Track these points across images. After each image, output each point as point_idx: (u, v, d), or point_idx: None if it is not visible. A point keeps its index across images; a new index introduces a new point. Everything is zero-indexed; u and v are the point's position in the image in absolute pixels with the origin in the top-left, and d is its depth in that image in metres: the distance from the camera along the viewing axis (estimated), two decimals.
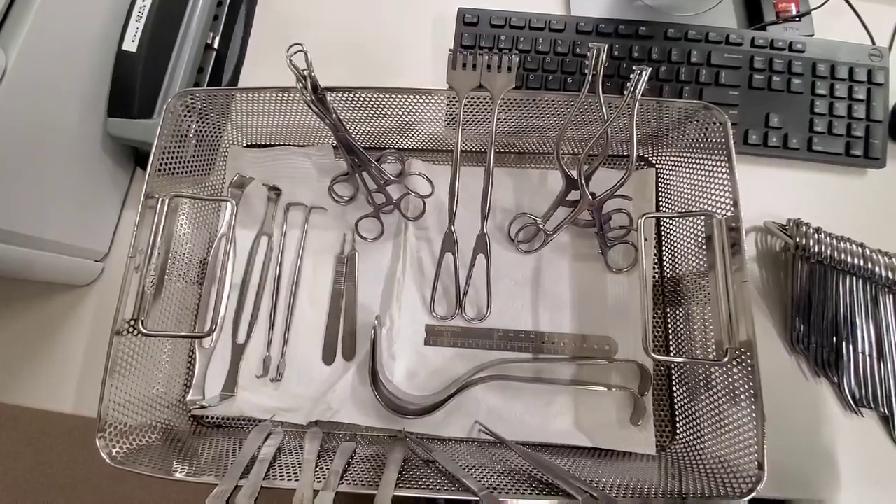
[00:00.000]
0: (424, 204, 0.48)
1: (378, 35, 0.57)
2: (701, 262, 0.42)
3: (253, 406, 0.45)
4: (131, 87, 0.48)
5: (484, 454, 0.42)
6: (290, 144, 0.51)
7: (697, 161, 0.44)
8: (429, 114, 0.46)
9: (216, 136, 0.50)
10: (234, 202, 0.42)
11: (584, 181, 0.42)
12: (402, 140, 0.50)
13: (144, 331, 0.38)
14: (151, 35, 0.50)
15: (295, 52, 0.36)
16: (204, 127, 0.48)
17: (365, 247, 0.49)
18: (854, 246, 0.43)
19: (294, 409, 0.45)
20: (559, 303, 0.47)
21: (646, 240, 0.46)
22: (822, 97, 0.51)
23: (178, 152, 0.45)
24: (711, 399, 0.40)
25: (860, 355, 0.45)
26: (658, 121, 0.45)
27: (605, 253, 0.47)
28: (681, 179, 0.47)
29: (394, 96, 0.42)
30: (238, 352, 0.47)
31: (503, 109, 0.44)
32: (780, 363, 0.47)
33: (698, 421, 0.41)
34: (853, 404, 0.45)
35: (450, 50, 0.39)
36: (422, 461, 0.39)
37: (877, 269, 0.42)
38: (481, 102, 0.44)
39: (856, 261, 0.43)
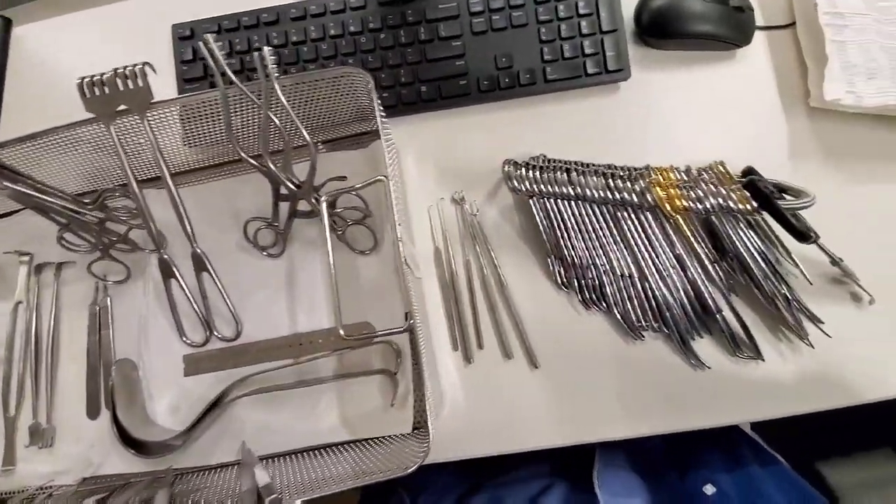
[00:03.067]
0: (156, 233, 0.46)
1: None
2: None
3: (31, 475, 0.44)
4: None
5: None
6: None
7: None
8: (136, 142, 0.44)
9: None
10: None
11: (278, 173, 0.41)
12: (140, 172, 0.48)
13: None
14: None
15: None
16: None
17: (118, 291, 0.48)
18: (560, 173, 0.40)
19: (67, 471, 0.44)
20: (315, 299, 0.45)
21: (368, 216, 0.45)
22: (548, 23, 0.48)
23: None
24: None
25: (622, 279, 0.43)
26: (343, 94, 0.43)
27: (343, 238, 0.45)
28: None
29: (57, 136, 0.40)
30: (10, 424, 0.46)
31: (199, 117, 0.43)
32: (553, 305, 0.45)
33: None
34: (631, 330, 0.43)
35: (77, 79, 0.37)
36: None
37: (587, 191, 0.40)
38: (195, 114, 0.42)
39: (566, 189, 0.40)
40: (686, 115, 0.49)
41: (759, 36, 0.50)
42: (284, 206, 0.44)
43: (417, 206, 0.48)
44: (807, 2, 0.49)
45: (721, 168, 0.44)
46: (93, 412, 0.45)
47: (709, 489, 0.43)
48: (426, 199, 0.48)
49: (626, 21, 0.49)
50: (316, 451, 0.41)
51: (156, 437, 0.43)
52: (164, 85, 0.52)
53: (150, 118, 0.39)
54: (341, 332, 0.34)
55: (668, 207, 0.37)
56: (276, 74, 0.36)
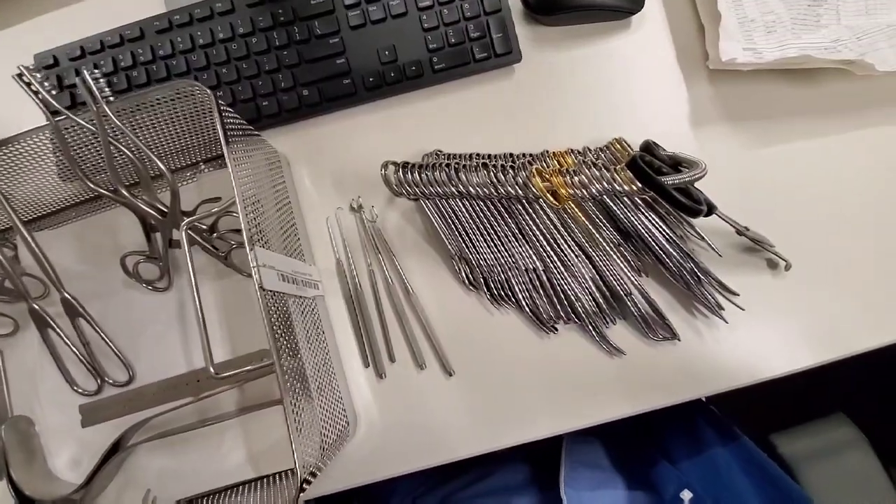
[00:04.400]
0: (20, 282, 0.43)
1: None
2: None
3: None
4: None
5: None
6: None
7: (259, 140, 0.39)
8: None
9: None
10: None
11: (137, 203, 0.38)
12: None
13: None
14: None
15: None
16: None
17: (8, 344, 0.45)
18: (439, 173, 0.37)
19: None
20: (211, 331, 0.43)
21: (236, 245, 0.42)
22: (428, 9, 0.45)
23: None
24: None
25: (527, 273, 0.41)
26: (191, 114, 0.40)
27: (231, 263, 0.42)
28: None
29: None
30: None
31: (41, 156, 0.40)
32: (463, 308, 0.43)
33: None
34: (543, 325, 0.41)
35: None
36: None
37: (470, 189, 0.37)
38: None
39: (448, 188, 0.37)
40: (585, 93, 0.46)
41: (652, 1, 0.47)
42: (160, 237, 0.41)
43: (314, 218, 0.45)
44: None
45: (619, 145, 0.42)
46: None
47: (686, 494, 0.41)
48: (323, 210, 0.46)
49: (511, 0, 0.46)
50: (222, 494, 0.39)
51: (59, 492, 0.40)
52: (33, 117, 0.49)
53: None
54: (211, 369, 0.32)
55: (552, 198, 0.35)
56: (110, 98, 0.33)
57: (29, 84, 0.31)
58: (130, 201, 0.37)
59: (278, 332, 0.31)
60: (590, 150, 0.42)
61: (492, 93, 0.46)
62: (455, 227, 0.40)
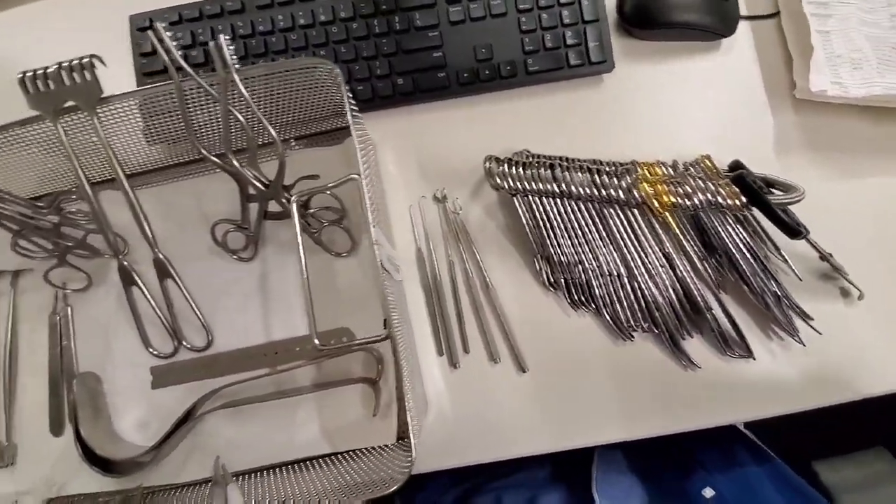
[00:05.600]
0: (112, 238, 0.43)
1: None
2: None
3: None
4: None
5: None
6: None
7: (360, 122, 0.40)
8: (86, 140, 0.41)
9: None
10: None
11: (244, 172, 0.38)
12: (100, 173, 0.46)
13: None
14: None
15: None
16: None
17: (79, 300, 0.45)
18: (544, 170, 0.38)
19: (30, 491, 0.41)
20: (291, 306, 0.43)
21: (342, 219, 0.42)
22: (528, 11, 0.46)
23: None
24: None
25: (610, 279, 0.41)
26: (312, 88, 0.40)
27: (319, 240, 0.42)
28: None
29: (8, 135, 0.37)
30: None
31: (158, 113, 0.40)
32: (540, 307, 0.43)
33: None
34: (620, 331, 0.42)
35: (19, 73, 0.34)
36: None
37: (572, 188, 0.38)
38: (153, 109, 0.40)
39: (550, 186, 0.38)
40: (670, 108, 0.47)
41: (743, 26, 0.48)
42: (255, 208, 0.41)
43: (397, 206, 0.46)
44: None
45: (707, 162, 0.43)
46: (56, 429, 0.42)
47: (707, 492, 0.42)
48: (406, 198, 0.46)
49: (608, 11, 0.47)
50: (294, 466, 0.39)
51: (123, 453, 0.40)
52: (122, 79, 0.49)
53: (101, 114, 0.36)
54: (316, 341, 0.32)
55: (657, 204, 0.35)
56: (236, 66, 0.33)
57: (161, 41, 0.32)
58: (237, 169, 0.37)
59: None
60: (678, 163, 0.43)
61: (580, 99, 0.47)
62: (544, 225, 0.41)
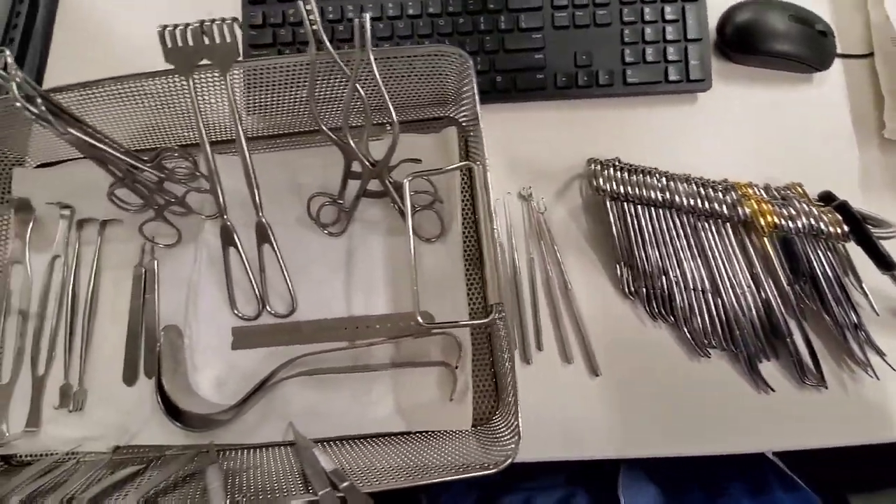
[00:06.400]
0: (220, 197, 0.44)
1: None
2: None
3: (57, 439, 0.42)
4: None
5: (288, 457, 0.39)
6: (82, 158, 0.48)
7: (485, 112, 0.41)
8: (206, 102, 0.43)
9: (4, 163, 0.47)
10: None
11: (356, 149, 0.39)
12: (189, 135, 0.47)
13: None
14: None
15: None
16: None
17: (165, 254, 0.46)
18: (650, 177, 0.39)
19: (98, 437, 0.42)
20: (373, 283, 0.44)
21: (440, 202, 0.43)
22: (632, 24, 0.47)
23: None
24: (502, 363, 0.36)
25: (693, 293, 0.42)
26: (428, 74, 0.41)
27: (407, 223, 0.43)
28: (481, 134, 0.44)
29: (129, 85, 0.39)
30: (39, 384, 0.44)
31: (267, 83, 0.41)
32: (616, 313, 0.44)
33: (505, 388, 0.38)
34: (698, 347, 0.42)
35: (159, 26, 0.35)
36: (199, 478, 0.36)
37: (676, 198, 0.39)
38: (260, 80, 0.41)
39: (654, 193, 0.39)
40: (759, 133, 0.48)
41: (837, 62, 0.49)
42: (353, 185, 0.42)
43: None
44: (885, 35, 0.49)
45: (800, 189, 0.43)
46: (130, 378, 0.43)
47: None
48: (493, 192, 0.47)
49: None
50: (370, 440, 0.40)
51: (197, 409, 0.41)
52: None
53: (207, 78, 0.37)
54: (419, 319, 0.33)
55: (763, 223, 0.36)
56: (372, 46, 0.34)
57: (309, 13, 0.33)
58: (350, 146, 0.38)
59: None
60: (770, 187, 0.43)
61: (673, 114, 0.48)
62: (634, 233, 0.41)
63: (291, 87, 0.43)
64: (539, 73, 0.47)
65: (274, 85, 0.43)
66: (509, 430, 0.32)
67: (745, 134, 0.48)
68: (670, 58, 0.47)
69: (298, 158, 0.47)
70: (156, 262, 0.45)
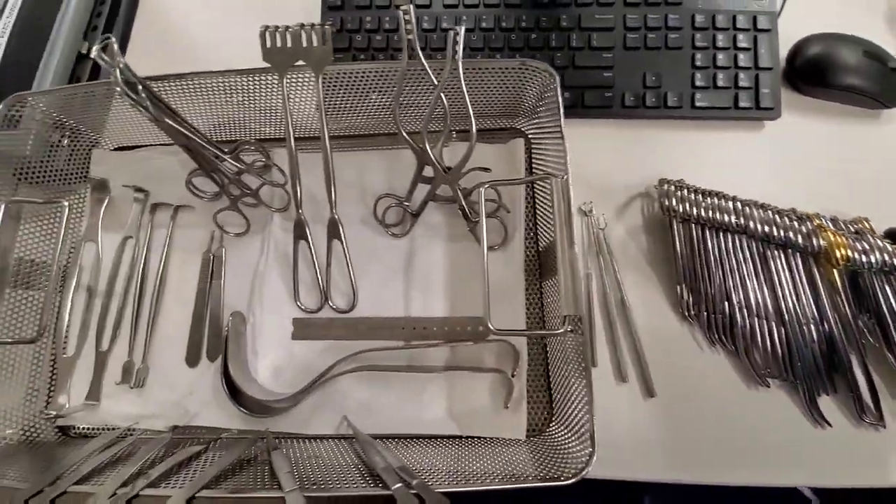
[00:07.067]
0: (288, 194, 0.46)
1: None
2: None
3: (116, 414, 0.44)
4: None
5: (345, 450, 0.39)
6: (157, 144, 0.50)
7: (552, 126, 0.42)
8: (292, 100, 0.44)
9: (85, 143, 0.49)
10: (68, 203, 0.40)
11: (432, 154, 0.40)
12: (265, 129, 0.48)
13: None
14: (16, 46, 0.50)
15: (104, 44, 0.35)
16: (68, 133, 0.47)
17: (233, 243, 0.47)
18: (724, 201, 0.39)
19: (157, 416, 0.43)
20: (432, 286, 0.45)
21: (507, 211, 0.44)
22: (704, 49, 0.48)
23: (42, 160, 0.45)
24: (569, 377, 0.37)
25: (756, 320, 0.41)
26: (505, 86, 0.42)
27: (473, 230, 0.44)
28: (549, 147, 0.44)
29: (227, 79, 0.40)
30: (101, 359, 0.45)
31: (355, 85, 0.43)
32: (673, 336, 0.44)
33: (564, 400, 0.38)
34: (757, 376, 0.42)
35: (262, 26, 0.37)
36: (262, 463, 0.36)
37: (751, 223, 0.39)
38: (338, 83, 0.43)
39: (727, 217, 0.39)
40: (824, 165, 0.48)
41: None
42: (422, 189, 0.43)
43: None
44: None
45: (867, 224, 0.43)
46: (192, 360, 0.44)
47: None
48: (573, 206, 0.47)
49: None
50: (422, 440, 0.40)
51: (256, 394, 0.42)
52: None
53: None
54: (490, 325, 0.34)
55: (838, 255, 0.36)
56: (461, 56, 0.35)
57: (408, 21, 0.34)
58: (427, 151, 0.39)
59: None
60: (838, 220, 0.43)
61: (739, 140, 0.48)
62: (699, 255, 0.41)
63: (362, 90, 0.44)
64: (607, 91, 0.48)
65: (346, 88, 0.44)
66: (580, 443, 0.32)
67: (811, 165, 0.48)
68: (741, 84, 0.47)
69: (363, 160, 0.48)
70: (224, 249, 0.47)
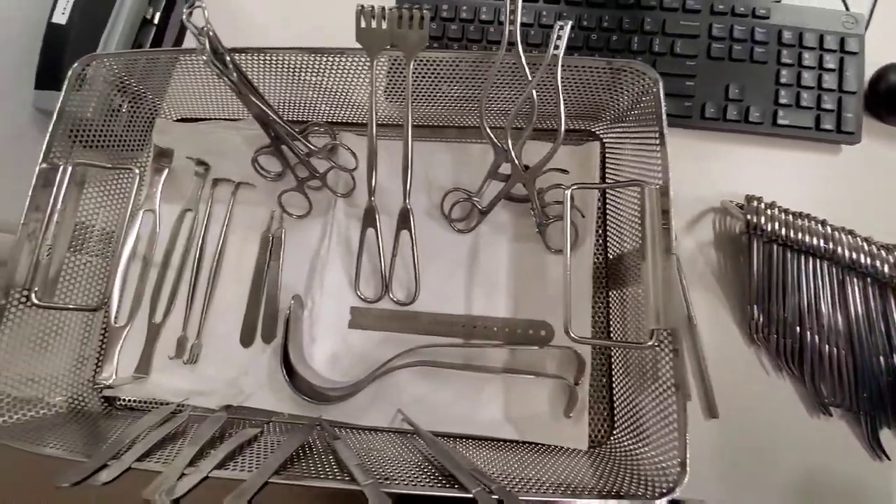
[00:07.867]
0: (354, 179, 0.45)
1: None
2: (638, 239, 0.39)
3: (165, 388, 0.43)
4: (60, 59, 0.47)
5: (403, 444, 0.39)
6: (221, 119, 0.49)
7: (640, 132, 0.41)
8: (360, 83, 0.43)
9: (146, 111, 0.48)
10: (139, 170, 0.40)
11: (513, 152, 0.39)
12: (334, 113, 0.47)
13: (36, 301, 0.36)
14: (83, 8, 0.49)
15: (193, 9, 0.34)
16: (130, 99, 0.46)
17: (293, 224, 0.46)
18: (814, 224, 0.38)
19: (208, 393, 0.43)
20: (495, 285, 0.44)
21: (582, 216, 0.43)
22: (789, 66, 0.46)
23: (102, 125, 0.44)
24: (642, 390, 0.36)
25: (826, 347, 0.40)
26: (592, 87, 0.41)
27: (542, 232, 0.43)
28: (628, 153, 0.43)
29: (310, 58, 0.39)
30: (154, 331, 0.44)
31: (429, 75, 0.42)
32: (738, 357, 0.43)
33: (634, 414, 0.37)
34: (821, 404, 0.41)
35: (358, 5, 0.36)
36: (324, 451, 0.36)
37: (839, 249, 0.38)
38: (417, 72, 0.41)
39: (816, 240, 0.38)
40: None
41: None
42: (495, 186, 0.42)
43: None
44: None
45: None
46: (246, 340, 0.44)
47: None
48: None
49: None
50: (479, 441, 0.40)
51: (312, 380, 0.41)
52: None
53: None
54: (572, 333, 0.33)
55: None
56: (562, 52, 0.34)
57: (513, 12, 0.33)
58: (508, 148, 0.38)
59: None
60: None
61: (817, 161, 0.47)
62: (776, 276, 0.40)
63: (436, 81, 0.43)
64: (687, 100, 0.47)
65: (421, 77, 0.43)
66: (662, 460, 0.31)
67: (885, 193, 0.47)
68: (824, 106, 0.46)
69: (429, 152, 0.47)
70: (283, 230, 0.46)
